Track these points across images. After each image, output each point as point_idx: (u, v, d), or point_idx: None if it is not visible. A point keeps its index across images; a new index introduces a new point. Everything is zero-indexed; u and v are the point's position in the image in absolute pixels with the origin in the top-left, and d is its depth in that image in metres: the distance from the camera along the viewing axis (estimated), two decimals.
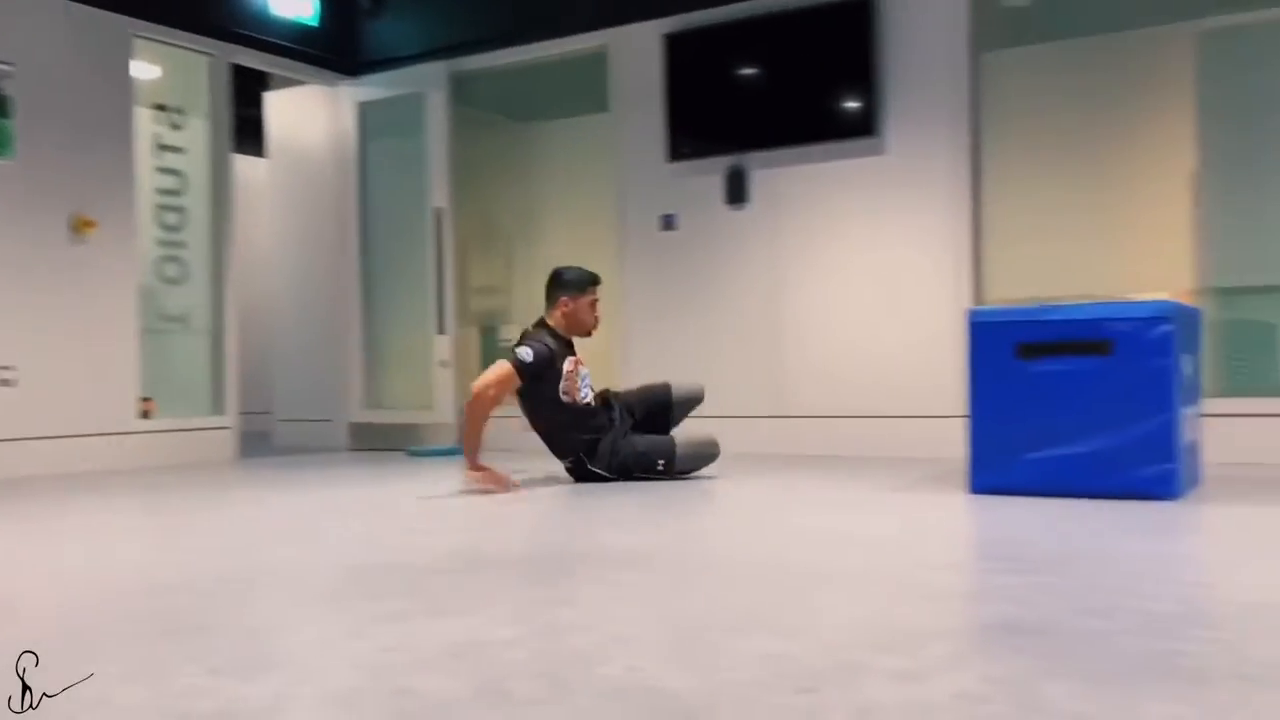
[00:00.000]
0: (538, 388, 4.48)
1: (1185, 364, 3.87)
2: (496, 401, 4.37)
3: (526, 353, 4.41)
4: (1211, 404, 4.91)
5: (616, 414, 4.66)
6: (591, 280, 4.64)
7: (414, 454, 6.56)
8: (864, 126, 5.75)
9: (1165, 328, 3.63)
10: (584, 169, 6.83)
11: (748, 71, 6.12)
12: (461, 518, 3.74)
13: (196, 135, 6.65)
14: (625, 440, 4.59)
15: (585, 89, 6.79)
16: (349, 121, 7.45)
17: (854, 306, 5.84)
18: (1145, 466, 3.63)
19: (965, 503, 3.69)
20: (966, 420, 3.93)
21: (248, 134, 7.77)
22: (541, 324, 4.63)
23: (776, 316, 6.06)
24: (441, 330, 7.02)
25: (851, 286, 5.85)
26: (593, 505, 3.95)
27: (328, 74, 7.36)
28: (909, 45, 5.69)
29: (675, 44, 6.27)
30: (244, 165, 7.83)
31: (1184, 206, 5.18)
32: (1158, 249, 5.24)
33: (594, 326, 4.67)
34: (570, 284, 4.61)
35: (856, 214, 5.84)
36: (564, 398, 4.52)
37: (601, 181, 6.64)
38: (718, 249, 6.21)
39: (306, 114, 7.66)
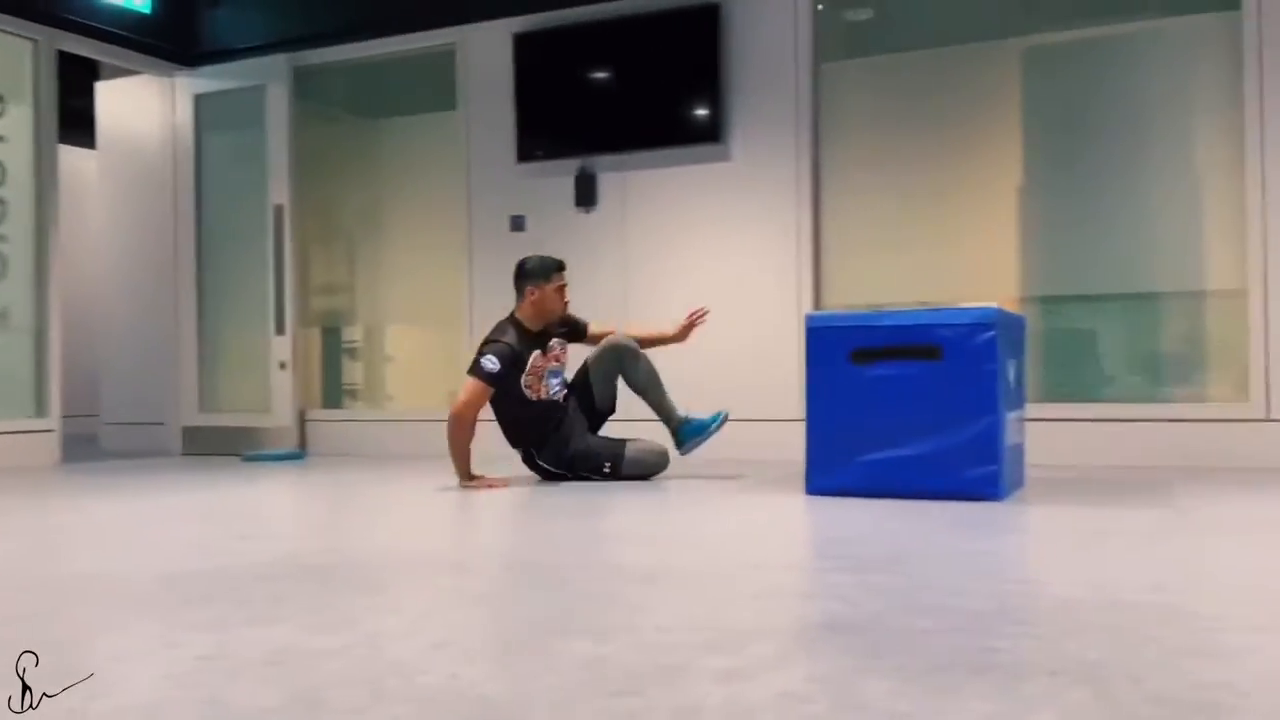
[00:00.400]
0: (503, 385, 4.50)
1: (1009, 369, 4.02)
2: (474, 420, 4.45)
3: (491, 363, 4.46)
4: (1036, 409, 5.14)
5: (570, 409, 4.66)
6: (556, 267, 4.66)
7: (249, 459, 6.34)
8: (710, 132, 5.82)
9: (989, 334, 3.76)
10: (432, 168, 6.73)
11: (597, 74, 6.13)
12: (293, 524, 3.62)
13: (19, 124, 6.31)
14: (580, 438, 4.62)
15: (433, 86, 6.70)
16: (185, 114, 7.18)
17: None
18: (971, 468, 3.76)
19: (801, 504, 3.76)
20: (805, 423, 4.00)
21: (77, 125, 7.40)
22: (510, 319, 4.64)
23: (624, 319, 6.07)
24: (281, 330, 6.82)
25: (698, 290, 5.89)
26: (427, 510, 3.89)
27: (163, 64, 7.08)
28: (754, 53, 5.79)
29: (525, 44, 6.24)
30: (73, 157, 7.48)
31: (1012, 217, 5.40)
32: (987, 258, 5.45)
33: (563, 312, 4.70)
34: (534, 273, 4.62)
35: (703, 219, 5.91)
36: (527, 393, 4.55)
37: (450, 181, 6.56)
38: (567, 251, 6.15)
39: (140, 105, 7.34)
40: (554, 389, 4.64)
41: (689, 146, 5.89)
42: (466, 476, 4.43)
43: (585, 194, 6.13)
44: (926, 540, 2.88)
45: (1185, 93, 5.09)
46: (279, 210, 6.83)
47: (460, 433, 4.41)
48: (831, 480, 3.94)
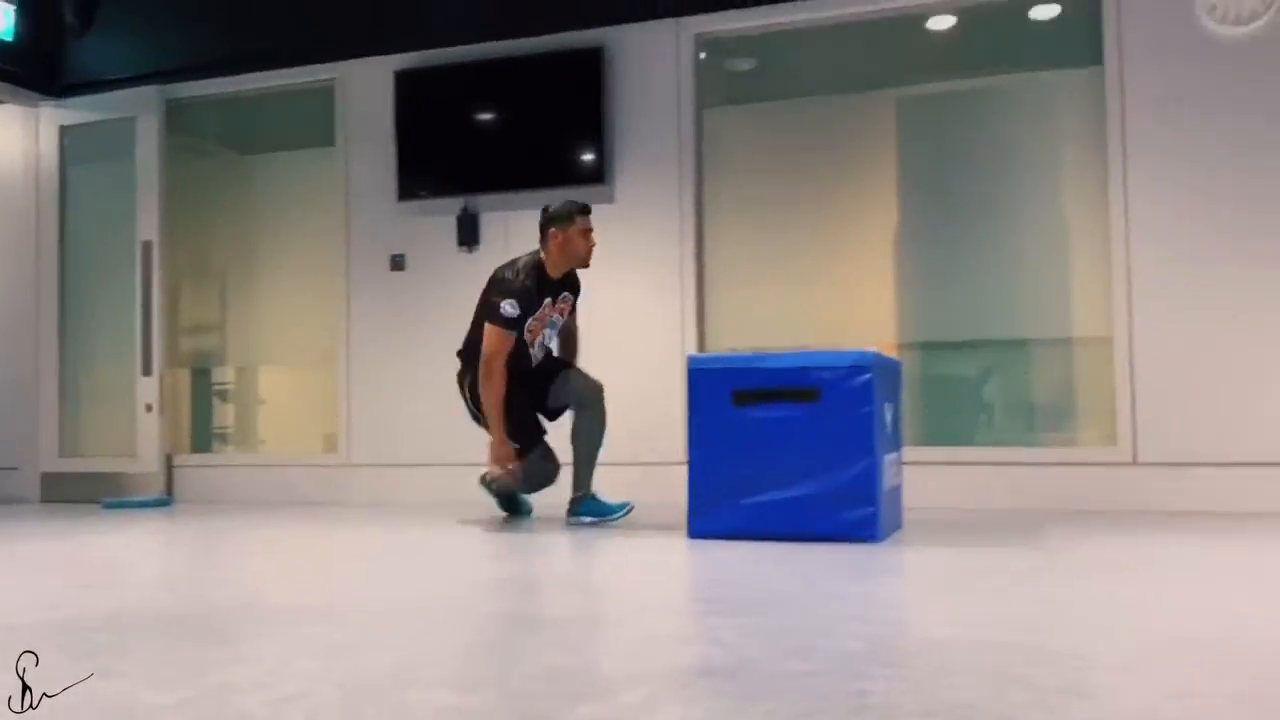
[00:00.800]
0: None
1: (886, 412, 4.06)
2: (503, 369, 4.41)
3: (512, 308, 4.42)
4: (914, 452, 5.20)
5: (542, 370, 4.68)
6: (580, 209, 4.60)
7: (110, 506, 6.05)
8: (594, 174, 5.81)
9: (866, 377, 3.79)
10: (309, 205, 6.58)
11: (481, 113, 6.08)
12: (148, 573, 3.44)
13: None
14: (525, 407, 4.61)
15: (312, 122, 6.56)
16: (50, 146, 6.90)
17: (584, 352, 5.84)
18: (849, 510, 3.77)
19: (683, 547, 3.71)
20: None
21: None
22: (535, 262, 4.56)
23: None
24: (148, 371, 6.55)
25: (582, 332, 5.86)
26: (295, 558, 3.73)
27: (26, 94, 6.80)
28: (638, 97, 5.81)
29: (407, 81, 6.16)
30: None
31: (889, 264, 5.49)
32: (866, 303, 5.52)
33: (588, 255, 4.62)
34: (558, 216, 4.58)
35: None
36: (526, 336, 4.55)
37: (328, 219, 6.41)
38: (449, 291, 6.10)
39: (1, 136, 7.03)
40: (547, 339, 4.64)
41: (573, 187, 5.85)
42: (501, 439, 4.42)
43: (467, 234, 6.05)
44: (803, 583, 2.86)
45: (1053, 144, 5.26)
46: (147, 246, 6.59)
47: (492, 384, 4.38)
48: (713, 523, 3.91)
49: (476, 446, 5.98)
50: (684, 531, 3.96)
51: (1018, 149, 5.30)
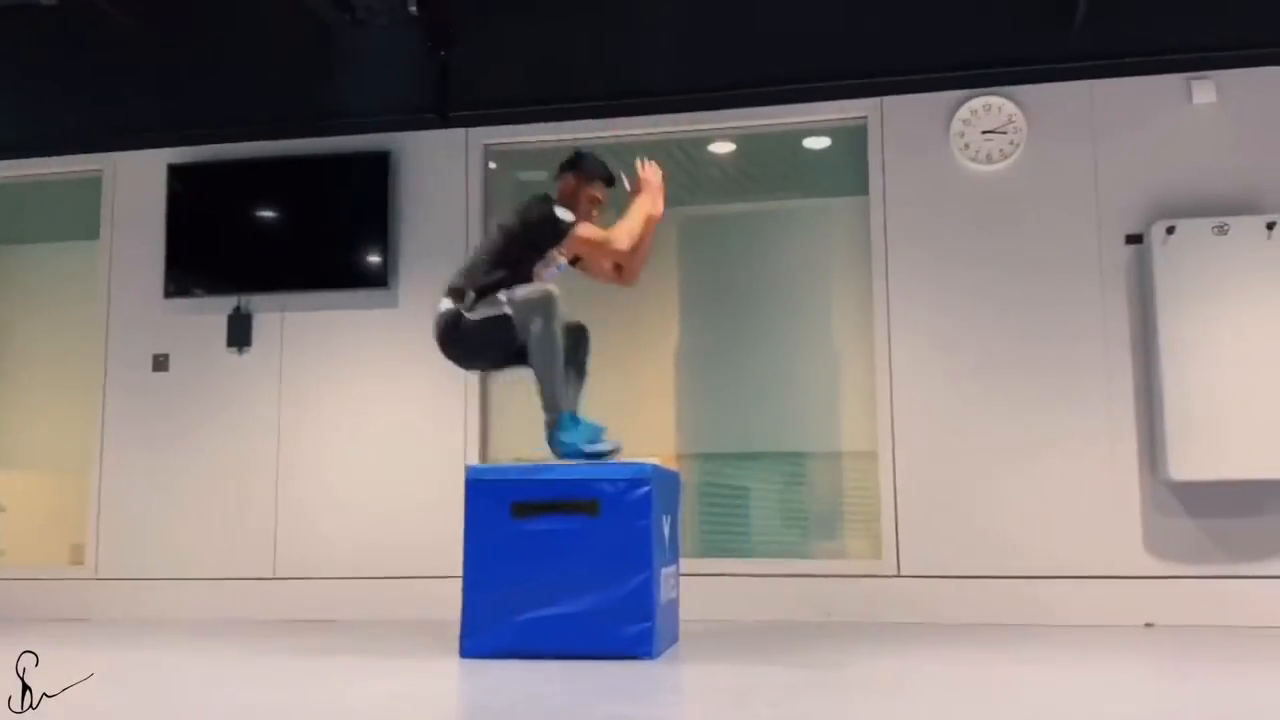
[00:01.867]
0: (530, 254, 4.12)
1: (665, 524, 4.07)
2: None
3: (564, 212, 4.10)
4: (692, 564, 5.24)
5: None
6: (604, 176, 4.30)
7: None
8: (378, 277, 5.70)
9: (645, 489, 3.80)
10: (67, 299, 6.17)
11: (259, 211, 5.89)
12: None
13: None
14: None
15: (74, 213, 6.19)
16: None
17: (360, 461, 5.65)
18: (626, 626, 3.73)
19: (454, 669, 3.57)
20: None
21: None
22: (545, 199, 4.18)
23: (274, 469, 5.72)
24: None
25: (359, 438, 5.67)
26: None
27: None
28: (425, 203, 5.77)
29: (181, 175, 5.93)
30: None
31: (670, 377, 5.58)
32: (648, 415, 5.57)
33: (583, 221, 4.23)
34: (581, 167, 4.29)
35: (367, 365, 5.72)
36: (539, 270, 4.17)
37: (86, 314, 6.04)
38: (216, 394, 5.81)
39: None
40: (549, 277, 4.21)
41: (354, 290, 5.73)
42: (646, 208, 4.25)
43: (239, 334, 5.80)
44: (574, 705, 2.78)
45: (824, 267, 5.51)
46: None
47: (633, 235, 4.18)
48: (488, 641, 3.79)
49: (241, 559, 5.67)
50: (456, 651, 3.82)
51: (792, 270, 5.53)
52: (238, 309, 5.81)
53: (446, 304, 4.13)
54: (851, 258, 5.45)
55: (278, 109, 5.93)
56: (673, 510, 4.27)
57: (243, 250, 5.87)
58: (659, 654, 3.79)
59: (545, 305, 3.91)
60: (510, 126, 5.77)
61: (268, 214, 5.90)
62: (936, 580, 5.04)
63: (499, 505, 3.88)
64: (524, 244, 4.10)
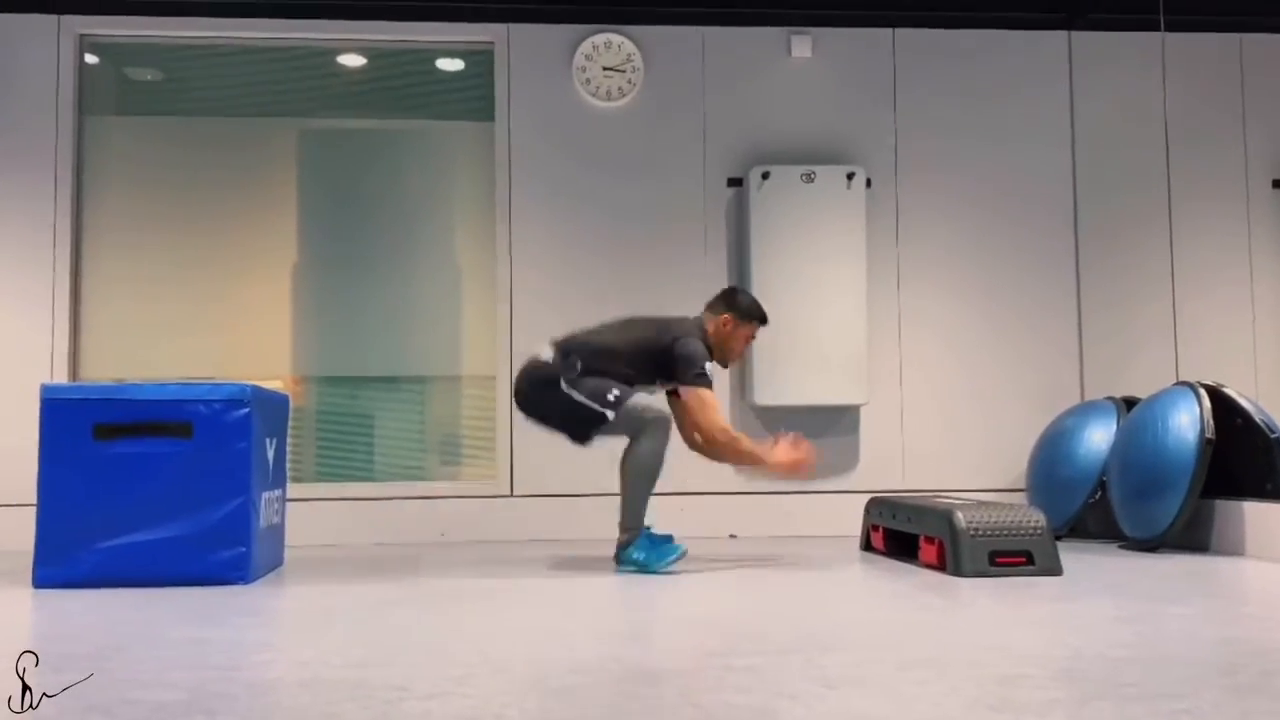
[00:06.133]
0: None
1: (268, 448, 3.97)
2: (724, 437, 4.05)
3: (711, 370, 4.08)
4: (308, 488, 5.16)
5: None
6: (762, 318, 4.28)
7: None
8: None
9: (243, 411, 3.69)
10: None
11: None
12: None
13: None
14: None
15: None
16: None
17: None
18: (220, 551, 3.63)
19: (25, 598, 3.34)
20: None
21: None
22: (700, 329, 4.16)
23: None
24: None
25: None
26: None
27: None
28: (7, 94, 5.21)
29: None
30: None
31: (286, 296, 5.40)
32: (262, 336, 5.38)
33: (736, 360, 4.40)
34: (742, 308, 4.23)
35: None
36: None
37: None
38: None
39: None
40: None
41: None
42: (765, 453, 4.03)
43: None
44: (145, 631, 2.68)
45: (449, 191, 5.50)
46: None
47: (733, 440, 4.03)
48: (64, 571, 3.57)
49: None
50: (29, 580, 3.57)
51: (417, 192, 5.48)
52: None
53: (549, 356, 4.07)
54: (476, 183, 5.48)
55: None
56: (279, 433, 4.17)
57: None
58: (256, 579, 3.73)
59: (663, 428, 3.96)
60: (110, 17, 5.31)
61: None
62: (546, 499, 5.24)
63: (79, 427, 3.64)
64: (659, 366, 4.09)
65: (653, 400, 4.06)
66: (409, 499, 5.25)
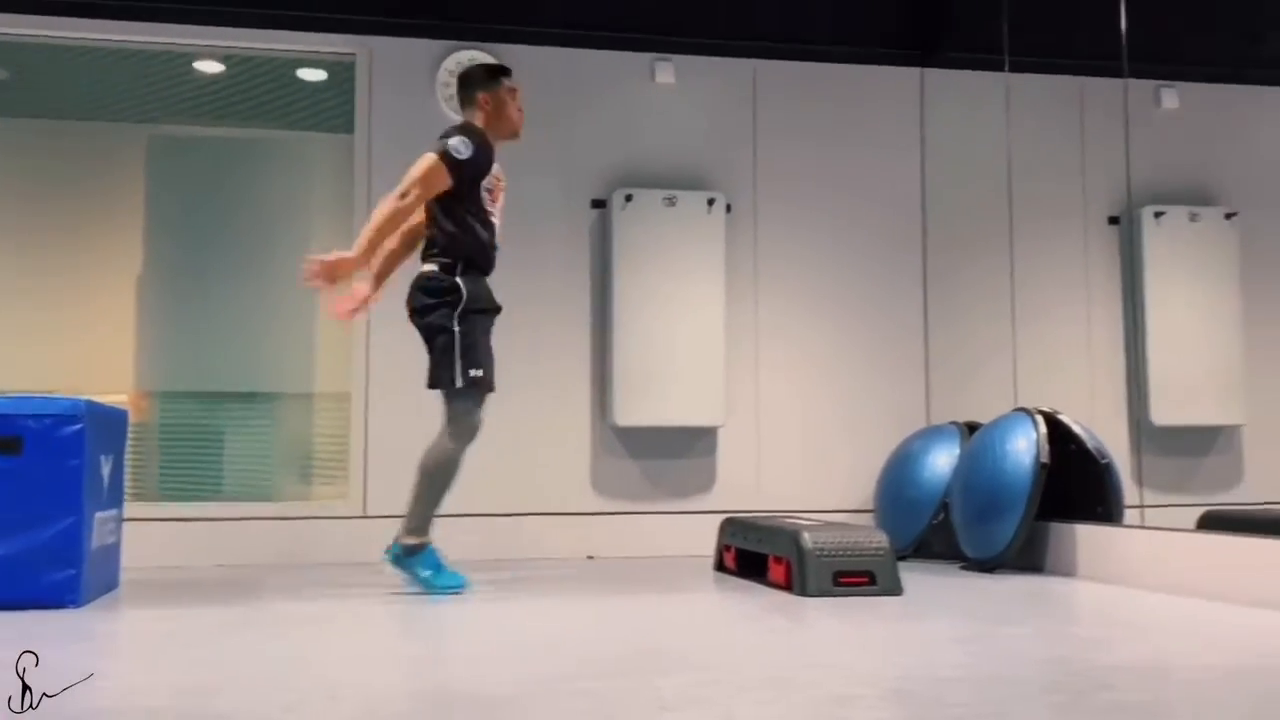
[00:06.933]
0: (463, 194, 3.82)
1: (104, 465, 3.82)
2: (414, 209, 3.75)
3: (462, 145, 3.76)
4: (148, 508, 4.97)
5: None
6: (501, 68, 4.07)
7: None
8: None
9: (76, 427, 3.53)
10: None
11: None
12: None
13: None
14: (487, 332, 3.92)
15: None
16: None
17: None
18: (49, 572, 3.47)
19: None
20: None
21: None
22: (465, 126, 3.90)
23: None
24: None
25: None
26: None
27: None
28: None
29: None
30: None
31: (131, 307, 5.21)
32: (108, 348, 5.17)
33: (520, 122, 4.05)
34: (481, 79, 3.98)
35: None
36: (485, 199, 3.90)
37: None
38: None
39: None
40: (496, 218, 3.99)
41: None
42: (364, 255, 3.73)
43: None
44: None
45: (306, 203, 5.39)
46: None
47: (390, 211, 3.70)
48: None
49: None
50: None
51: (273, 203, 5.35)
52: None
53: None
54: (335, 196, 5.38)
55: None
56: (115, 451, 4.01)
57: None
58: (88, 602, 3.57)
59: (472, 433, 3.93)
60: None
61: None
62: (400, 520, 5.14)
63: None
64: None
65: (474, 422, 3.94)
66: (257, 519, 5.10)
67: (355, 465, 5.18)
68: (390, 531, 4.52)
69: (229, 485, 5.27)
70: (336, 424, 5.30)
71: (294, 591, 3.93)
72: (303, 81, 5.50)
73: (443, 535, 4.49)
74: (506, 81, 4.03)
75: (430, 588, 3.85)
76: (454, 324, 3.84)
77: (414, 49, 5.38)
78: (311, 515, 5.15)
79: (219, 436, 5.34)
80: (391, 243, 3.98)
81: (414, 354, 5.19)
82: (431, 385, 3.94)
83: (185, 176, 5.32)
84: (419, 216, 3.95)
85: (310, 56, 5.43)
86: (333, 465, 5.30)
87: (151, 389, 5.21)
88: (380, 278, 4.03)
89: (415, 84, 5.37)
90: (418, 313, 3.90)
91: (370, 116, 5.34)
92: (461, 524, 4.93)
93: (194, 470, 5.26)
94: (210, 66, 5.44)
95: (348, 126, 5.38)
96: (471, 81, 4.02)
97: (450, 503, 5.03)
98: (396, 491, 5.11)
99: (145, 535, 4.85)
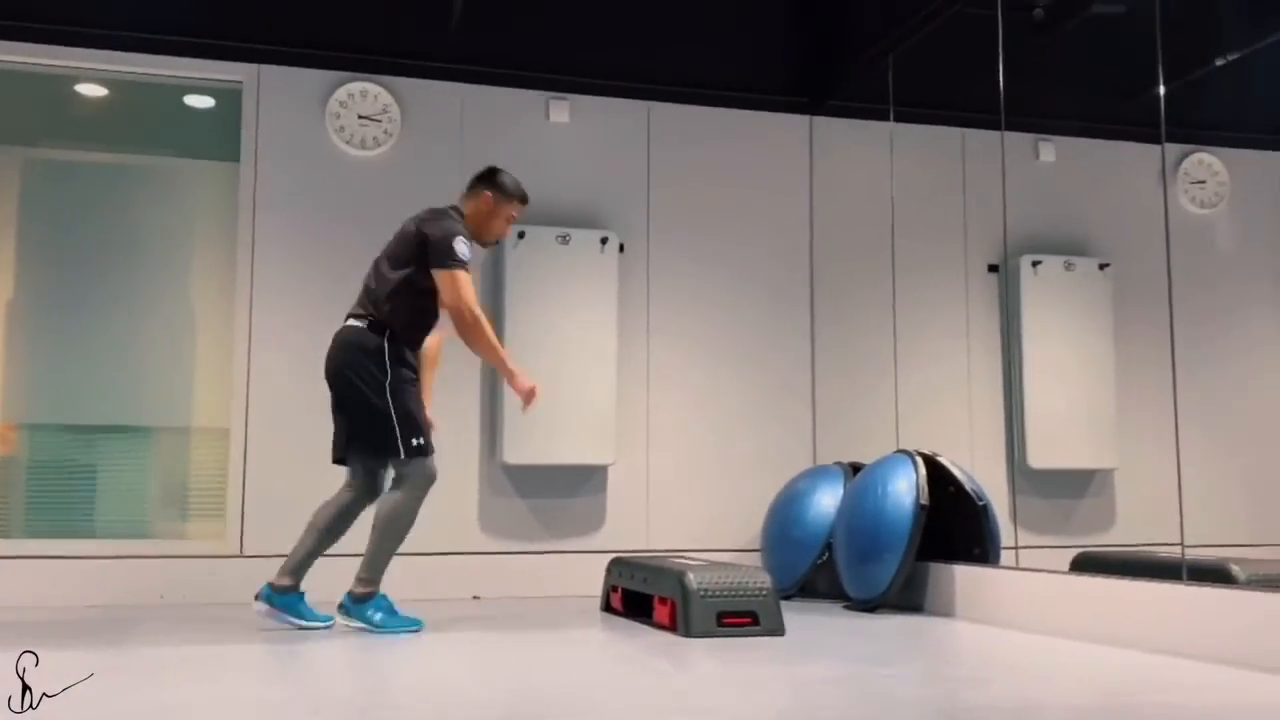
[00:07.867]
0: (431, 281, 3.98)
1: None
2: (480, 315, 3.97)
3: (466, 248, 3.97)
4: (15, 545, 4.77)
5: None
6: (523, 196, 4.22)
7: None
8: None
9: None
10: None
11: None
12: None
13: None
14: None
15: None
16: None
17: None
18: None
19: None
20: None
21: None
22: (454, 210, 4.10)
23: None
24: None
25: None
26: None
27: None
28: None
29: None
30: None
31: (1, 335, 5.01)
32: None
33: (498, 239, 4.31)
34: (503, 187, 4.15)
35: None
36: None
37: None
38: None
39: None
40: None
41: None
42: (507, 365, 4.02)
43: None
44: None
45: (188, 232, 5.25)
46: None
47: (480, 326, 3.92)
48: None
49: None
50: None
51: (152, 231, 5.20)
52: None
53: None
54: (218, 224, 5.26)
55: None
56: None
57: None
58: None
59: (427, 484, 3.98)
60: None
61: None
62: (278, 561, 4.99)
63: None
64: (420, 262, 3.98)
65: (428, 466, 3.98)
66: (130, 558, 4.91)
67: (233, 503, 5.03)
68: (267, 573, 4.41)
69: (101, 522, 5.07)
70: (214, 460, 5.15)
71: (165, 634, 3.79)
72: (189, 108, 5.38)
73: (326, 577, 4.39)
74: (518, 206, 4.23)
75: (384, 630, 3.88)
76: (386, 396, 3.92)
77: (304, 79, 5.30)
78: (186, 555, 4.98)
79: (91, 471, 5.14)
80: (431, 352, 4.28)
81: (295, 390, 5.10)
82: (369, 456, 4.05)
83: (62, 201, 5.15)
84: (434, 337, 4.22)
85: (196, 83, 5.32)
86: (209, 503, 5.14)
87: (20, 421, 5.01)
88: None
89: (304, 114, 5.29)
90: (345, 369, 4.00)
91: (257, 145, 5.24)
92: (343, 564, 4.82)
93: (64, 506, 5.05)
94: (93, 90, 5.29)
95: (234, 155, 5.27)
96: (493, 182, 4.18)
97: (336, 544, 4.95)
98: (274, 531, 5.00)
99: (9, 574, 4.65)
